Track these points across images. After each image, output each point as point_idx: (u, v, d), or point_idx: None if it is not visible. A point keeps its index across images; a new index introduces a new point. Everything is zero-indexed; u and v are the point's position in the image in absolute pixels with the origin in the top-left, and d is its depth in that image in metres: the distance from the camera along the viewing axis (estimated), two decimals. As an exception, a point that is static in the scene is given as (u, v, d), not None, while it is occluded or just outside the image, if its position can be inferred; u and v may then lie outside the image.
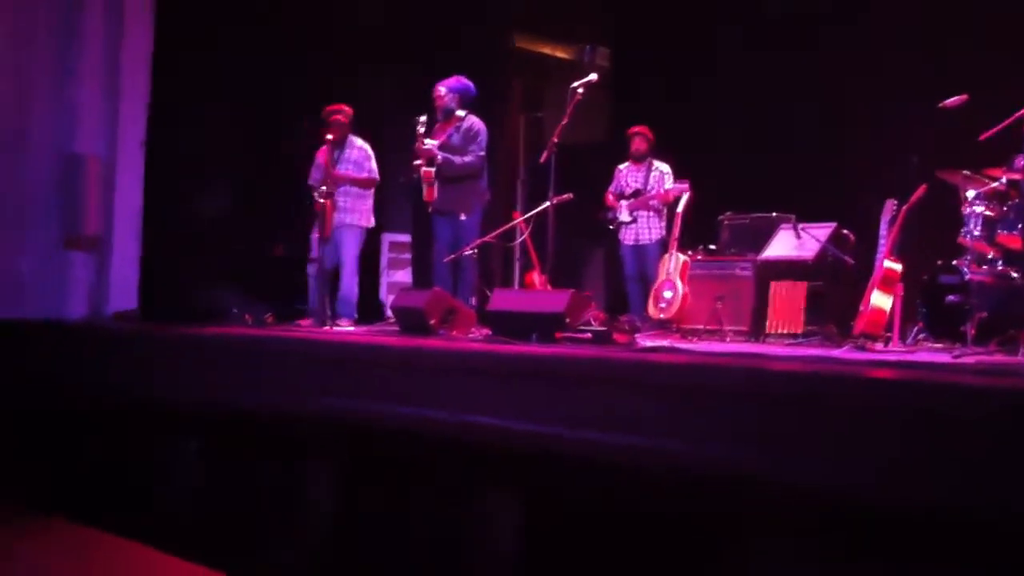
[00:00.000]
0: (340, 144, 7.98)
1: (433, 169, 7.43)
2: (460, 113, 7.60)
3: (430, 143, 7.44)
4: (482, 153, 7.52)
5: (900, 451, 2.93)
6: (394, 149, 8.67)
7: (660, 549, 3.69)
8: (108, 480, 6.10)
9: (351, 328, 7.52)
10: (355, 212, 8.02)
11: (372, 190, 8.12)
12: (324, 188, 7.67)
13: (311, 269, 7.90)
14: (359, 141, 8.09)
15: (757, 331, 7.06)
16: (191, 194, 8.81)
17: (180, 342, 6.12)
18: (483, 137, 7.54)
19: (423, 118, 7.44)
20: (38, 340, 7.02)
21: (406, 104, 8.53)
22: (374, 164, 8.10)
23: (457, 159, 7.45)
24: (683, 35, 9.45)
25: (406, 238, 10.43)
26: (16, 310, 7.55)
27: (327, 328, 7.19)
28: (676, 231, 7.69)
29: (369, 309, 8.78)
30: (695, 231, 7.90)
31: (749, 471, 3.32)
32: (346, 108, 8.00)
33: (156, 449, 5.94)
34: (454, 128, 7.58)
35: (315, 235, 7.77)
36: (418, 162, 7.47)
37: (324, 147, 7.97)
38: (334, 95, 8.20)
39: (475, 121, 7.59)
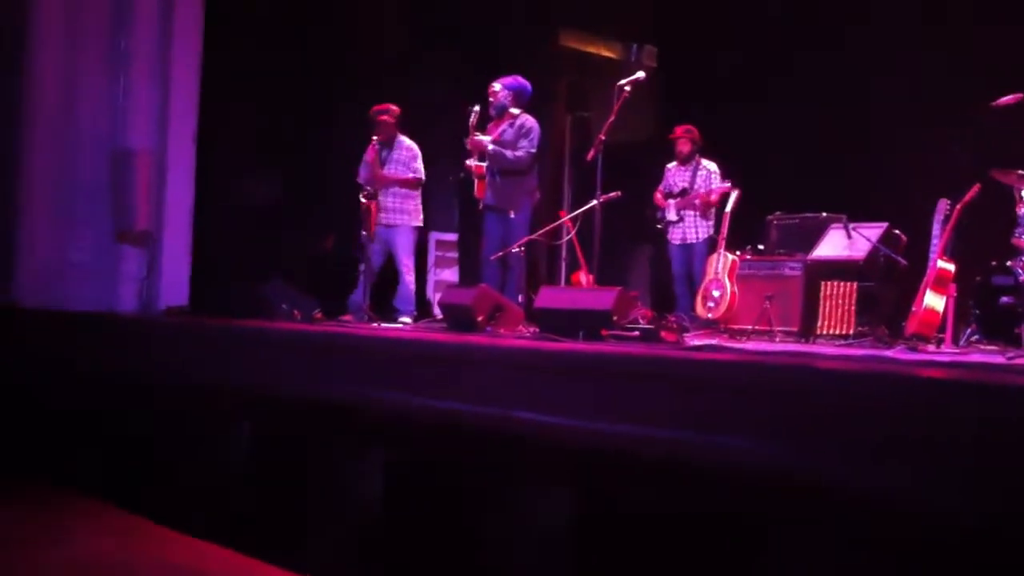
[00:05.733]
0: (388, 144, 8.02)
1: (484, 164, 7.43)
2: (514, 111, 7.59)
3: (482, 138, 7.45)
4: (533, 150, 7.48)
5: (950, 455, 2.89)
6: (442, 148, 8.70)
7: (708, 546, 3.67)
8: (155, 469, 6.18)
9: (410, 323, 7.57)
10: (403, 212, 8.06)
11: (419, 189, 8.14)
12: (369, 188, 7.73)
13: (363, 267, 7.95)
14: (407, 141, 8.11)
15: (807, 331, 7.00)
16: (241, 189, 8.89)
17: (233, 335, 6.19)
18: (536, 135, 7.51)
19: (476, 108, 7.42)
20: (90, 332, 7.10)
21: (454, 104, 8.55)
22: (420, 163, 8.12)
23: (508, 153, 7.44)
24: (730, 34, 9.41)
25: (453, 237, 10.46)
26: (69, 303, 7.67)
27: (373, 324, 7.24)
28: (724, 230, 7.66)
29: (417, 306, 8.83)
30: (744, 230, 7.85)
31: (798, 471, 3.29)
32: (393, 107, 8.02)
33: (205, 443, 5.99)
34: (507, 124, 7.56)
35: (364, 233, 7.83)
36: (470, 161, 7.47)
37: (372, 146, 8.00)
38: (383, 90, 8.22)
39: (528, 118, 7.57)
